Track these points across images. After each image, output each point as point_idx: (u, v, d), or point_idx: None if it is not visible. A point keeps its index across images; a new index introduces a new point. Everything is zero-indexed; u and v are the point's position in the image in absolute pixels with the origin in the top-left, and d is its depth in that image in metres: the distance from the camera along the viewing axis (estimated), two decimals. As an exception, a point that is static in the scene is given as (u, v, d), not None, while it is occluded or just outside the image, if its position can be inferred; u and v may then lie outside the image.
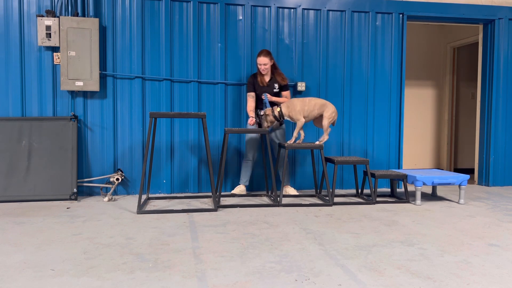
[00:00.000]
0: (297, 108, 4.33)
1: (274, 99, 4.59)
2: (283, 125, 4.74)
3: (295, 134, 4.40)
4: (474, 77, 7.28)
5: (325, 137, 4.40)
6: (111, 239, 3.00)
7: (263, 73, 4.56)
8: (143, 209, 3.92)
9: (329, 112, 4.37)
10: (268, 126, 4.44)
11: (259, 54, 4.51)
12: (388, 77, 5.28)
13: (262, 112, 4.42)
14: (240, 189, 4.72)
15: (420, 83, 7.28)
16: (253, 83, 4.60)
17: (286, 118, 4.39)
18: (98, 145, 4.69)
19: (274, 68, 4.66)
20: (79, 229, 3.27)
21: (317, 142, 4.39)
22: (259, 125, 4.51)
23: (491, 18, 5.45)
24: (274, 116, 4.37)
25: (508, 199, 4.68)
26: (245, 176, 4.72)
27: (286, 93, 4.68)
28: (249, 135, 4.63)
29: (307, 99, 4.38)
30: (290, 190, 4.76)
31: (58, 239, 2.98)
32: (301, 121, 4.33)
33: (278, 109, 4.36)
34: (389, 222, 3.57)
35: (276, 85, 4.63)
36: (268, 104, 4.58)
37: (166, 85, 4.79)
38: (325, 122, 4.36)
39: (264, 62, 4.48)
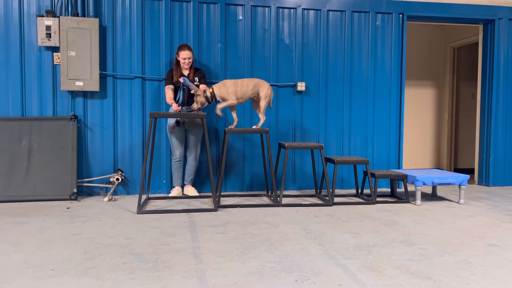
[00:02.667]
0: (230, 89, 4.22)
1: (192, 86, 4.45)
2: (205, 126, 4.54)
3: (234, 117, 4.36)
4: (474, 77, 7.28)
5: (261, 119, 4.33)
6: (111, 239, 3.00)
7: (186, 67, 4.49)
8: (143, 209, 3.92)
9: (265, 91, 4.29)
10: (199, 108, 4.28)
11: (182, 48, 4.42)
12: (388, 77, 5.28)
13: (193, 91, 4.23)
14: (178, 191, 4.63)
15: (420, 83, 7.28)
16: (172, 77, 4.52)
17: (218, 99, 4.25)
18: (98, 145, 4.69)
19: (193, 63, 4.60)
20: (79, 229, 3.27)
21: (254, 127, 4.30)
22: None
23: (491, 18, 5.45)
24: (206, 97, 4.21)
25: (508, 199, 4.68)
26: (178, 177, 4.64)
27: (203, 86, 4.44)
28: (173, 137, 4.53)
29: (239, 80, 4.29)
30: (190, 189, 4.69)
31: (58, 239, 2.98)
32: (231, 101, 4.21)
33: (211, 90, 4.22)
34: (389, 222, 3.57)
35: (197, 79, 4.54)
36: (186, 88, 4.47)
37: (166, 85, 4.78)
38: (263, 103, 4.29)
39: (188, 56, 4.41)
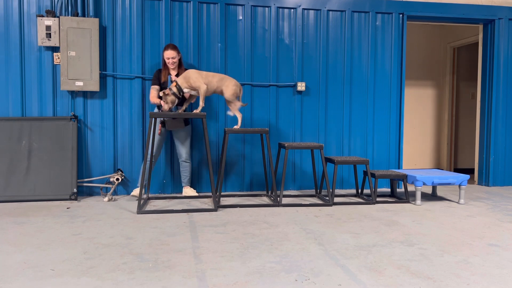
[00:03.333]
0: (194, 76, 4.08)
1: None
2: (188, 126, 4.56)
3: (201, 103, 4.10)
4: (474, 77, 7.28)
5: (239, 118, 4.27)
6: (111, 239, 3.00)
7: (171, 67, 4.43)
8: (143, 209, 3.92)
9: (230, 85, 4.17)
10: (170, 107, 4.17)
11: (166, 48, 4.37)
12: (388, 77, 5.28)
13: (161, 93, 4.08)
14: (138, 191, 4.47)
15: (420, 83, 7.28)
16: (159, 77, 4.47)
17: (185, 90, 4.12)
18: (98, 145, 4.69)
19: (180, 63, 4.53)
20: (79, 229, 3.27)
21: (235, 127, 4.25)
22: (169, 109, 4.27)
23: (491, 18, 5.45)
24: (174, 93, 4.09)
25: (508, 199, 4.68)
26: (145, 177, 4.39)
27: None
28: (156, 137, 4.44)
29: (203, 71, 4.18)
30: (189, 191, 4.67)
31: (58, 239, 2.98)
32: (203, 87, 4.08)
33: (174, 83, 4.10)
34: (389, 222, 3.57)
35: None
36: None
37: (166, 85, 4.78)
38: (232, 100, 4.18)
39: (172, 56, 4.36)
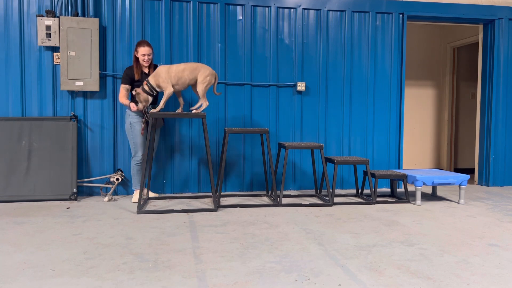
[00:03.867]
0: (162, 75, 3.98)
1: None
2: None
3: (161, 104, 4.05)
4: (474, 77, 7.28)
5: (203, 104, 4.09)
6: (111, 239, 3.00)
7: (145, 64, 4.23)
8: (143, 209, 3.92)
9: (204, 75, 4.02)
10: (145, 106, 4.10)
11: (141, 45, 4.17)
12: (388, 77, 5.28)
13: (133, 92, 4.01)
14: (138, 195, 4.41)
15: (420, 83, 7.28)
16: (131, 76, 4.23)
17: (157, 89, 4.04)
18: (98, 145, 4.68)
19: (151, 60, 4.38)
20: (79, 229, 3.27)
21: (194, 110, 4.10)
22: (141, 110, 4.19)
23: (491, 18, 5.45)
24: (146, 91, 4.02)
25: (508, 199, 4.68)
26: (139, 180, 4.31)
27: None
28: (140, 137, 4.26)
29: (174, 65, 4.05)
30: (149, 193, 4.56)
31: (58, 239, 2.98)
32: (168, 90, 3.99)
33: (145, 82, 4.02)
34: (389, 222, 3.57)
35: None
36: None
37: (166, 85, 4.78)
38: (200, 88, 4.03)
39: (148, 53, 4.18)
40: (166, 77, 4.00)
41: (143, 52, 4.18)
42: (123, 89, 4.24)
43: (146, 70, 4.31)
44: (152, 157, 4.35)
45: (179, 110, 4.20)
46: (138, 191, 4.23)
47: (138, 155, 4.29)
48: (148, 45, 4.19)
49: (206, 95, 4.14)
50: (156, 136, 4.48)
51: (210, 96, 4.88)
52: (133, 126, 4.26)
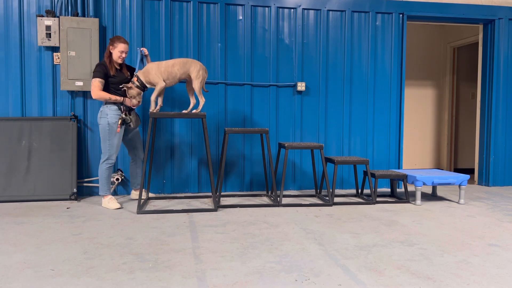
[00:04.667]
0: (153, 71, 3.94)
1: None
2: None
3: (153, 98, 3.99)
4: (474, 77, 7.28)
5: (200, 101, 4.04)
6: (111, 239, 3.00)
7: (120, 61, 4.08)
8: (143, 209, 3.92)
9: (196, 70, 3.98)
10: (139, 101, 4.05)
11: (121, 41, 4.03)
12: (388, 77, 5.28)
13: (123, 87, 3.94)
14: (137, 193, 4.47)
15: (420, 83, 7.28)
16: (106, 71, 4.02)
17: (147, 85, 4.00)
18: (98, 145, 4.68)
19: None
20: (79, 229, 3.27)
21: (194, 111, 4.05)
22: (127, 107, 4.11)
23: (491, 18, 5.45)
24: (137, 86, 3.96)
25: (508, 199, 4.68)
26: (109, 182, 4.16)
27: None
28: (117, 137, 4.06)
29: (163, 61, 4.00)
30: (137, 194, 4.48)
31: (58, 239, 2.98)
32: (160, 84, 3.95)
33: (135, 78, 3.97)
34: (389, 222, 3.57)
35: (129, 73, 4.22)
36: (144, 59, 4.19)
37: (166, 85, 4.78)
38: (196, 84, 3.98)
39: (126, 50, 4.06)
40: (157, 72, 3.98)
41: (122, 49, 4.04)
42: (99, 83, 3.97)
43: (118, 67, 4.14)
44: (152, 155, 4.34)
45: (157, 108, 4.07)
46: (109, 196, 4.10)
47: (113, 157, 4.08)
48: (127, 42, 4.09)
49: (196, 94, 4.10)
50: (137, 137, 4.37)
51: (209, 96, 4.88)
52: (112, 126, 4.02)
